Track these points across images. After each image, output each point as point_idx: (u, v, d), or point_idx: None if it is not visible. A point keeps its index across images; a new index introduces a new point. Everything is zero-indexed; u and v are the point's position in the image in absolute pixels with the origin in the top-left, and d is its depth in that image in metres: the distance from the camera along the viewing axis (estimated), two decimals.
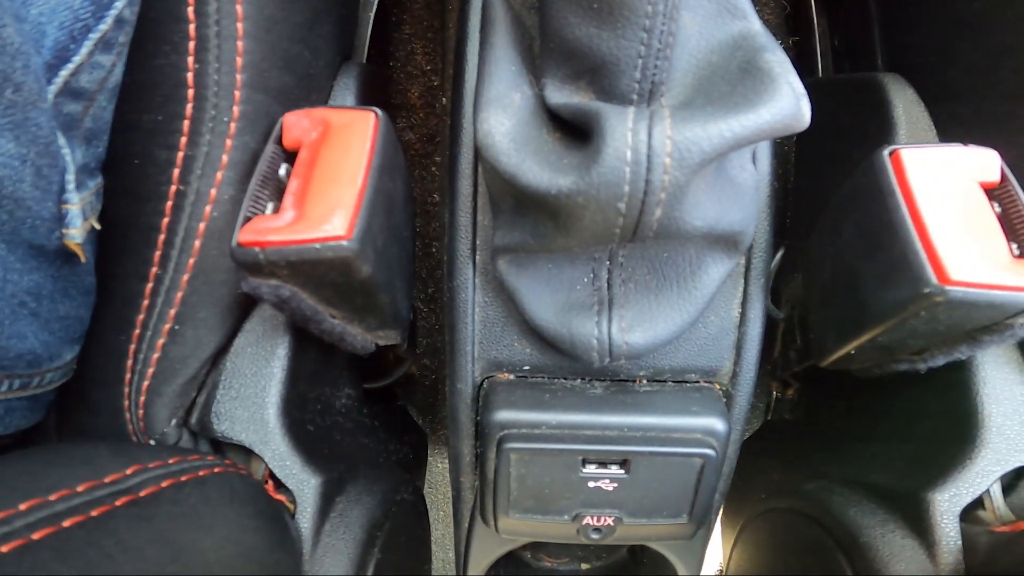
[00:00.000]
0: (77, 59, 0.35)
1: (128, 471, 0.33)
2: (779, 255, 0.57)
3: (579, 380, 0.45)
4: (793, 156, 0.68)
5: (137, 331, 0.41)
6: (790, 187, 0.68)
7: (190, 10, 0.37)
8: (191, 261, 0.40)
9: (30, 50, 0.32)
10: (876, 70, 0.57)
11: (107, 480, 0.32)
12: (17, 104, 0.32)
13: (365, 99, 0.51)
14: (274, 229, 0.34)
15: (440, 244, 0.77)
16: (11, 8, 0.30)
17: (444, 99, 0.72)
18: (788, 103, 0.32)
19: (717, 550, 0.70)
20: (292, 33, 0.42)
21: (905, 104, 0.50)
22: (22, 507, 0.28)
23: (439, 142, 0.76)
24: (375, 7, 0.64)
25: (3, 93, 0.32)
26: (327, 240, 0.34)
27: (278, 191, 0.38)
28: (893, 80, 0.51)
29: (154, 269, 0.40)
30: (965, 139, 0.41)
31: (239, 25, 0.38)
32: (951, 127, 0.48)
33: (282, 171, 0.39)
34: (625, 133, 0.31)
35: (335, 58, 0.50)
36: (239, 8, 0.38)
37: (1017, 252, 0.36)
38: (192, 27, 0.37)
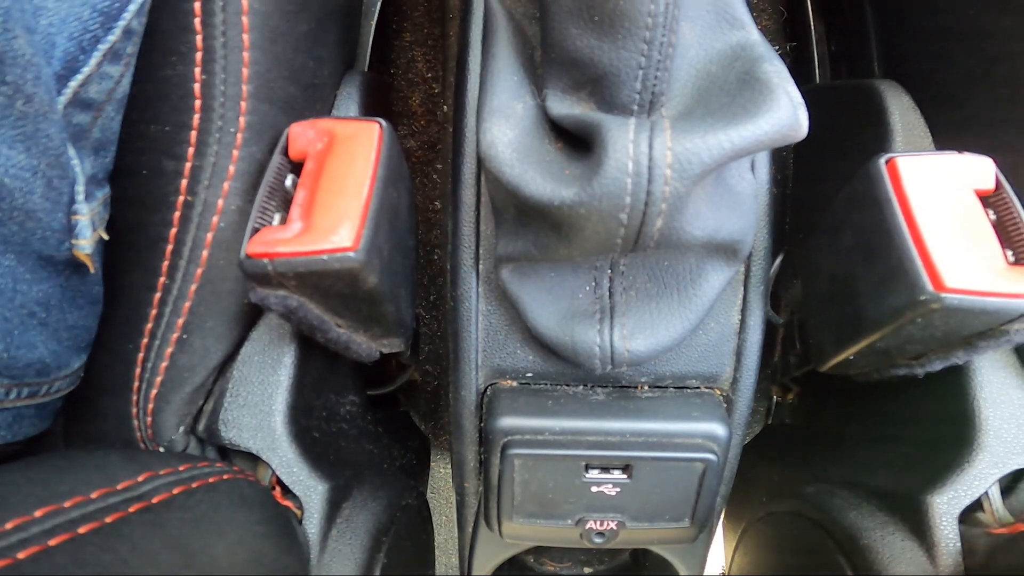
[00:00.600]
0: (86, 70, 0.35)
1: (140, 478, 0.34)
2: (778, 260, 0.58)
3: (581, 387, 0.45)
4: (791, 162, 0.69)
5: (145, 340, 0.41)
6: (789, 193, 0.68)
7: (197, 21, 0.38)
8: (198, 271, 0.40)
9: (41, 61, 0.32)
10: (873, 76, 0.57)
11: (120, 487, 0.32)
12: (28, 116, 0.32)
13: (368, 108, 0.51)
14: (282, 240, 0.35)
15: (442, 252, 0.77)
16: (22, 19, 0.31)
17: (445, 107, 0.73)
18: (786, 113, 0.32)
19: (719, 553, 0.70)
20: (297, 44, 0.42)
21: (901, 111, 0.50)
22: (37, 514, 0.29)
23: (440, 149, 0.76)
24: (376, 16, 0.64)
25: (14, 105, 0.32)
26: (334, 251, 0.34)
27: (285, 202, 0.38)
28: (889, 87, 0.52)
29: (162, 279, 0.40)
30: (961, 145, 0.41)
31: (245, 36, 0.38)
32: (947, 133, 0.49)
33: (288, 182, 0.39)
34: (626, 145, 0.31)
35: (339, 67, 0.51)
36: (245, 20, 0.38)
37: (1012, 259, 0.37)
38: (199, 38, 0.38)
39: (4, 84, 0.31)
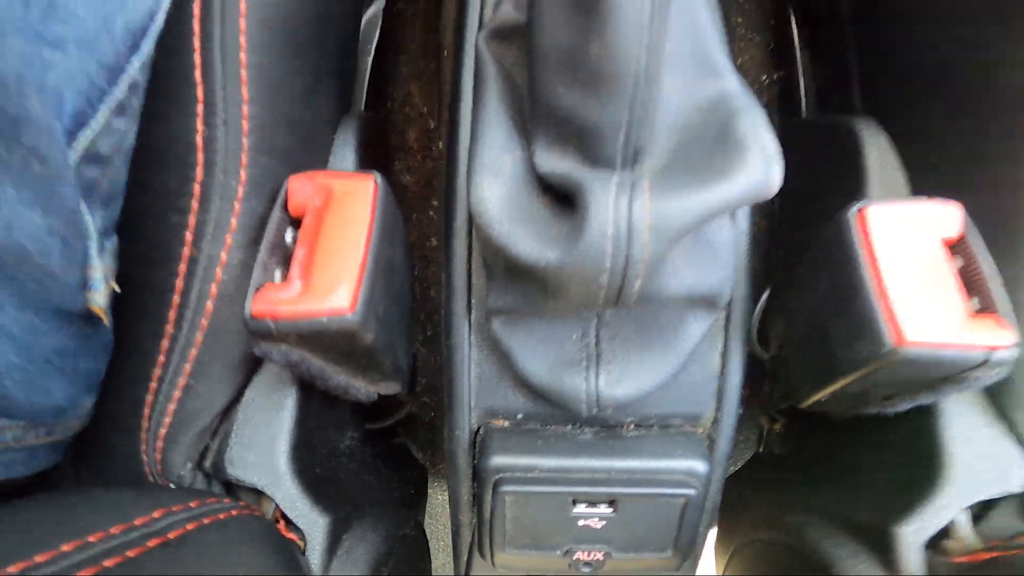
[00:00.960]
0: (95, 124, 0.36)
1: (156, 514, 0.35)
2: (765, 295, 0.59)
3: (569, 426, 0.47)
4: (777, 197, 0.70)
5: (154, 384, 0.43)
6: (776, 227, 0.70)
7: (197, 74, 0.38)
8: (204, 321, 0.41)
9: (54, 122, 0.33)
10: (854, 110, 0.58)
11: (137, 523, 0.33)
12: (44, 178, 0.33)
13: (364, 149, 0.52)
14: (284, 300, 0.36)
15: (437, 289, 0.78)
16: (33, 79, 0.31)
17: (441, 143, 0.74)
18: (757, 173, 0.33)
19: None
20: (295, 95, 0.43)
21: (878, 150, 0.51)
22: (64, 548, 0.30)
23: (436, 185, 0.78)
24: (373, 53, 0.65)
25: (30, 168, 0.32)
26: (333, 314, 0.36)
27: (285, 258, 0.40)
28: (867, 126, 0.52)
29: (169, 328, 0.41)
30: (934, 183, 0.42)
31: (244, 89, 0.39)
32: (922, 171, 0.49)
33: (288, 237, 0.40)
34: (607, 207, 0.32)
35: (335, 114, 0.52)
36: (244, 73, 0.39)
37: (977, 306, 0.38)
38: (200, 91, 0.39)
39: (20, 147, 0.32)
